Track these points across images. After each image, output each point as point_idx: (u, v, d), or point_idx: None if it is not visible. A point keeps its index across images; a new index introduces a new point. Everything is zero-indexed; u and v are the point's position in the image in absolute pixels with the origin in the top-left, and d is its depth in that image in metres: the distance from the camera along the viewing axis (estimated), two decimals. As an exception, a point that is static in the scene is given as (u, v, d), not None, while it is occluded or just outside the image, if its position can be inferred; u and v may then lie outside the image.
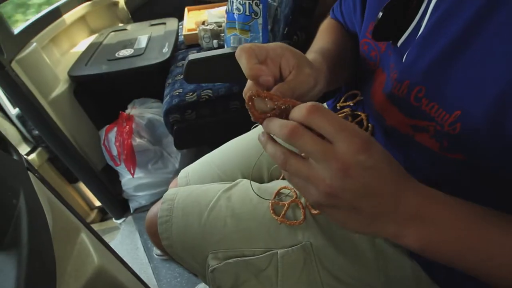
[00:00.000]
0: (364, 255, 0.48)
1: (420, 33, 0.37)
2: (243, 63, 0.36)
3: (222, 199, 0.56)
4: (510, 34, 0.28)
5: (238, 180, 0.61)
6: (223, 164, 0.68)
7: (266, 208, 0.53)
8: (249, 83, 0.37)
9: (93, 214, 1.51)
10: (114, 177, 1.38)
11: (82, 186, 1.40)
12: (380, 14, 0.40)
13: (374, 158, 0.28)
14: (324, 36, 0.59)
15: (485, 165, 0.33)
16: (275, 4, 1.11)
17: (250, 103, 0.34)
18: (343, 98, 0.62)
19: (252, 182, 0.61)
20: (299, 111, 0.30)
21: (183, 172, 0.72)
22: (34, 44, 1.13)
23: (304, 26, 1.03)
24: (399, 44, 0.41)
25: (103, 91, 1.35)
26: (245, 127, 1.01)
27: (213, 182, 0.65)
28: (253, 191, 0.54)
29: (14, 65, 0.99)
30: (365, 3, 0.51)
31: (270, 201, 0.54)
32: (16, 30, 1.11)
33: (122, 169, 1.28)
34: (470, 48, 0.31)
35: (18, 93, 0.97)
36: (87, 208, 1.50)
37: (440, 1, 0.35)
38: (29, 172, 0.45)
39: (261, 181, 0.65)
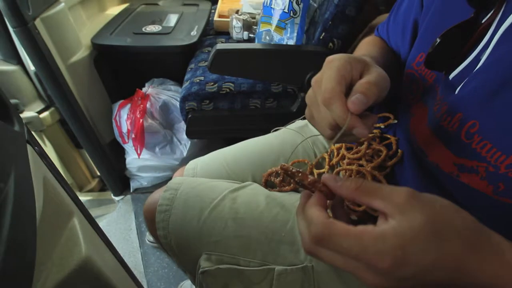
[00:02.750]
0: None
1: (479, 66, 0.35)
2: (337, 110, 0.32)
3: (227, 199, 0.53)
4: None
5: (247, 183, 0.58)
6: (234, 163, 0.65)
7: (272, 218, 0.50)
8: (316, 89, 0.36)
9: (94, 183, 1.49)
10: (120, 153, 1.35)
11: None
12: (437, 41, 0.38)
13: (413, 265, 0.25)
14: (369, 46, 0.57)
15: None
16: (315, 5, 1.06)
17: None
18: None
19: (262, 188, 0.57)
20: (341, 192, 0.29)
21: (191, 163, 0.68)
22: (62, 4, 1.09)
23: (342, 34, 0.98)
24: (452, 76, 0.39)
25: (124, 65, 1.31)
26: (261, 128, 0.97)
27: (221, 178, 0.62)
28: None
29: (37, 22, 0.96)
30: (416, 32, 0.49)
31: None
32: (47, -14, 1.07)
33: (129, 147, 1.25)
34: None
35: (37, 52, 0.94)
36: (89, 175, 1.49)
37: (505, 36, 0.32)
38: (28, 146, 0.41)
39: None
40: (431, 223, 0.25)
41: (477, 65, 0.35)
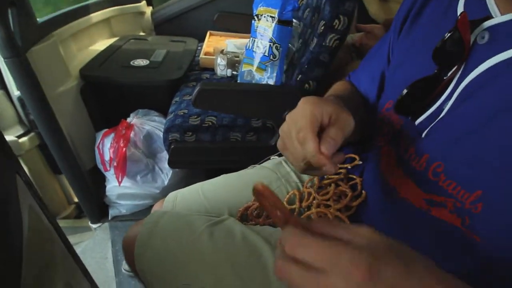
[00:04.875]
0: None
1: (442, 115, 0.39)
2: (310, 149, 0.37)
3: (205, 234, 0.55)
4: None
5: (224, 217, 0.60)
6: (212, 196, 0.68)
7: (248, 254, 0.53)
8: (290, 124, 0.40)
9: (70, 209, 1.47)
10: (100, 180, 1.35)
11: (65, 179, 1.37)
12: (405, 91, 0.43)
13: (384, 279, 0.24)
14: (340, 88, 0.62)
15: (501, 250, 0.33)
16: (293, 49, 1.15)
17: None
18: None
19: (237, 222, 0.61)
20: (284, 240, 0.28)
21: (171, 195, 0.71)
22: (54, 37, 1.14)
23: (317, 77, 1.07)
24: (417, 122, 0.43)
25: (111, 95, 1.35)
26: (241, 160, 1.02)
27: (199, 213, 0.64)
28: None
29: (29, 53, 1.00)
30: (383, 82, 0.54)
31: None
32: (40, 20, 1.13)
33: (110, 175, 1.26)
34: (492, 133, 0.33)
35: (26, 81, 0.97)
36: (65, 201, 1.47)
37: (466, 91, 0.37)
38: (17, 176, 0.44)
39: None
40: (395, 245, 0.27)
41: (440, 114, 0.40)
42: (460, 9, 0.40)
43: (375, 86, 0.57)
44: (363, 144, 0.60)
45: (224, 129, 1.11)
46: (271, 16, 1.00)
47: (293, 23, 1.06)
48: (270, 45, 1.03)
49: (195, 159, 1.15)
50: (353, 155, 0.62)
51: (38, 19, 1.09)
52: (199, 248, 0.54)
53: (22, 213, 0.40)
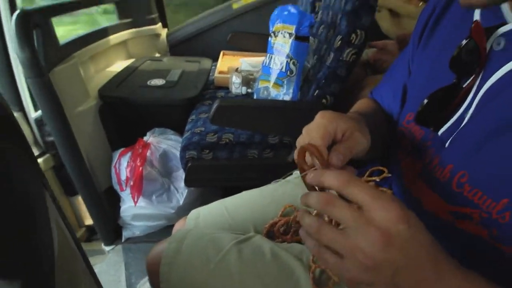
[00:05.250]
0: None
1: (464, 123, 0.39)
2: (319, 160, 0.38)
3: (233, 251, 0.54)
4: None
5: (251, 234, 0.59)
6: (236, 213, 0.66)
7: (279, 273, 0.51)
8: (305, 136, 0.40)
9: (81, 232, 1.44)
10: (115, 201, 1.34)
11: (77, 201, 1.37)
12: (425, 101, 0.43)
13: (414, 228, 0.28)
14: (363, 105, 0.62)
15: None
16: (308, 65, 1.16)
17: (299, 155, 0.39)
18: (367, 173, 0.62)
19: (265, 239, 0.58)
20: (332, 180, 0.31)
21: (193, 213, 0.70)
22: (75, 58, 1.17)
23: (334, 92, 1.06)
24: (440, 132, 0.43)
25: (128, 115, 1.36)
26: (258, 177, 1.00)
27: (223, 229, 0.63)
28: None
29: (51, 74, 1.02)
30: (405, 95, 0.54)
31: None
32: (62, 42, 1.16)
33: (125, 195, 1.25)
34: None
35: (48, 102, 0.99)
36: (76, 224, 1.45)
37: (485, 98, 0.37)
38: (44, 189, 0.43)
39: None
40: (415, 224, 0.29)
41: (462, 122, 0.39)
42: (476, 17, 0.41)
43: (398, 100, 0.57)
44: (387, 159, 0.59)
45: (241, 146, 1.10)
46: (288, 33, 1.01)
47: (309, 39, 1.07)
48: (287, 61, 1.03)
49: (212, 177, 1.14)
50: (381, 168, 0.60)
51: (60, 41, 1.13)
52: (227, 266, 0.52)
53: (52, 225, 0.39)
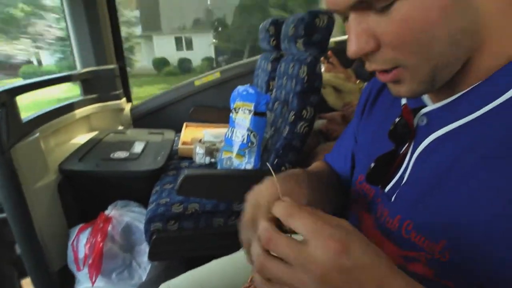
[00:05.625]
0: None
1: (404, 181, 0.47)
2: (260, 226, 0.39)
3: None
4: (497, 168, 0.35)
5: None
6: (208, 284, 0.67)
7: None
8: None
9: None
10: (69, 282, 1.24)
11: (26, 285, 1.23)
12: (372, 164, 0.51)
13: (354, 257, 0.29)
14: (314, 168, 0.70)
15: None
16: (267, 136, 1.27)
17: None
18: None
19: None
20: (278, 212, 0.34)
21: (163, 286, 0.69)
22: (37, 134, 1.17)
23: (292, 160, 1.17)
24: (387, 189, 0.51)
25: (90, 188, 1.34)
26: (224, 246, 1.01)
27: None
28: None
29: (13, 150, 1.02)
30: (353, 160, 0.64)
31: None
32: (25, 119, 1.17)
33: (82, 275, 1.16)
34: (442, 190, 0.40)
35: (6, 179, 0.96)
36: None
37: (417, 161, 0.45)
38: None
39: None
40: (355, 251, 0.31)
41: (403, 180, 0.47)
42: (404, 101, 0.52)
43: (348, 164, 0.66)
44: (346, 211, 0.66)
45: (207, 215, 1.13)
46: (248, 109, 1.13)
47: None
48: (248, 133, 1.13)
49: (177, 248, 1.12)
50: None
51: (22, 118, 1.14)
52: None
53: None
